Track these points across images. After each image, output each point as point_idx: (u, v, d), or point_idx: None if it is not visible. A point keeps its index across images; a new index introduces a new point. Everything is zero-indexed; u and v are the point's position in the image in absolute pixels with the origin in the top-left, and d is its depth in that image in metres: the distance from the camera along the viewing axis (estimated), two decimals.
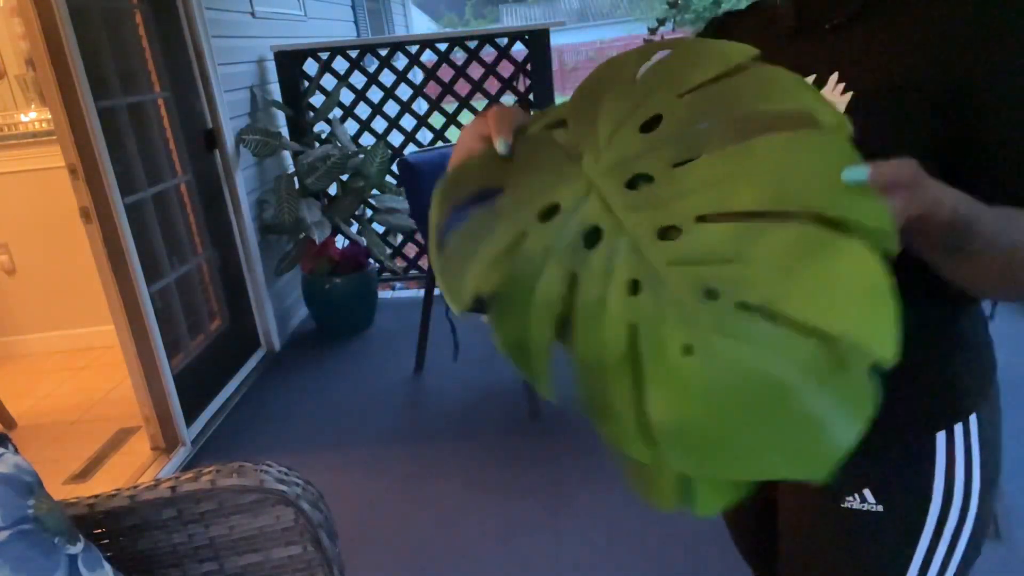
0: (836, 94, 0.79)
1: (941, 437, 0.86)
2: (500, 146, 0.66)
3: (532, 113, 0.70)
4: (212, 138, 3.24)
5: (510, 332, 0.56)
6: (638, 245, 0.55)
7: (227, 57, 3.41)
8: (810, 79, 0.82)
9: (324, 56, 3.92)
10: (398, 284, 4.58)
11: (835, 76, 0.80)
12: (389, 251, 4.11)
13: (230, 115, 3.34)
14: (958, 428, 0.86)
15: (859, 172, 0.50)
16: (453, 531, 2.20)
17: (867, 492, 0.88)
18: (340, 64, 3.95)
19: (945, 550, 0.88)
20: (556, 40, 7.64)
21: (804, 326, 0.47)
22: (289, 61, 3.90)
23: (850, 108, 0.77)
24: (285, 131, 3.94)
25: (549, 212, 0.59)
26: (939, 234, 0.58)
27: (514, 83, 4.05)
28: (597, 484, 2.35)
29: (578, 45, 21.26)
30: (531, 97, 3.84)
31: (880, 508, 0.88)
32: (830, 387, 0.46)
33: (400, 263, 4.29)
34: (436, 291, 3.07)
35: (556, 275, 0.56)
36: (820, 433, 0.46)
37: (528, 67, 3.80)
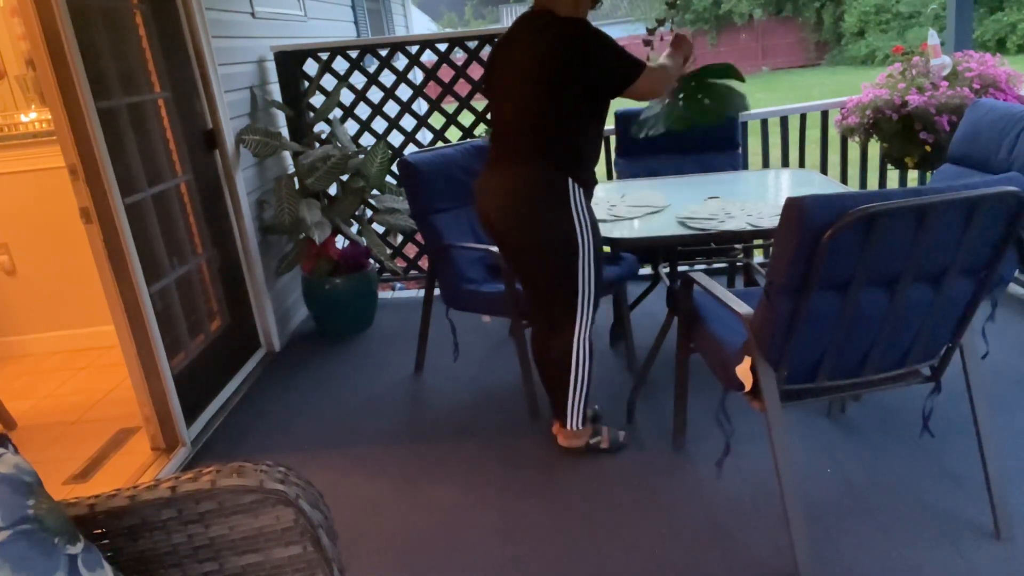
0: None
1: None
2: None
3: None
4: (212, 138, 3.24)
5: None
6: None
7: (227, 57, 3.41)
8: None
9: (324, 56, 3.92)
10: (398, 284, 4.59)
11: None
12: (389, 251, 4.11)
13: (230, 115, 3.34)
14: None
15: None
16: (453, 531, 2.20)
17: None
18: (340, 64, 3.95)
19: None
20: None
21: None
22: (289, 61, 3.90)
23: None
24: (285, 131, 3.94)
25: None
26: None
27: None
28: (596, 484, 2.35)
29: None
30: None
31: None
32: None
33: (400, 263, 4.29)
34: (436, 291, 3.07)
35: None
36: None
37: None
